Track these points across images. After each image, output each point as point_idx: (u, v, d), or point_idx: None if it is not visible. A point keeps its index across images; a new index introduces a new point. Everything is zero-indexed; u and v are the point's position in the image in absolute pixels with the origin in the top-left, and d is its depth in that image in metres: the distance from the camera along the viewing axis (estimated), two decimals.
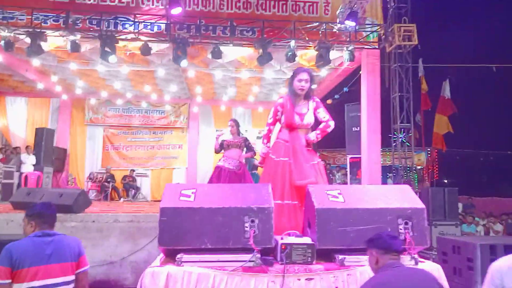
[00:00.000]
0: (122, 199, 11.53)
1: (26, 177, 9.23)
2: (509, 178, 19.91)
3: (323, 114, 3.75)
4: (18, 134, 11.96)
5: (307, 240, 2.68)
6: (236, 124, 6.37)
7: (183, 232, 2.60)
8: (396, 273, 2.07)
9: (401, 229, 2.70)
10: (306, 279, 2.51)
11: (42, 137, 10.53)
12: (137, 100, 12.58)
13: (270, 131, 3.79)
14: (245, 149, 6.26)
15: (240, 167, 6.07)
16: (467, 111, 15.84)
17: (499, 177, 20.44)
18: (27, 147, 10.59)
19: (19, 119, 12.02)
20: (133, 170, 12.37)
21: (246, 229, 2.63)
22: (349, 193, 2.87)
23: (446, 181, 18.92)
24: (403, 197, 2.86)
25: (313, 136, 3.69)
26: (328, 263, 2.65)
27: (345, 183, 10.80)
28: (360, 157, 8.65)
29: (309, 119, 3.70)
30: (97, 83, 11.19)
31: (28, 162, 10.02)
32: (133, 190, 11.92)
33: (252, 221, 2.63)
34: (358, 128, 8.82)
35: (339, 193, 2.84)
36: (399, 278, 2.05)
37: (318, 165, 3.70)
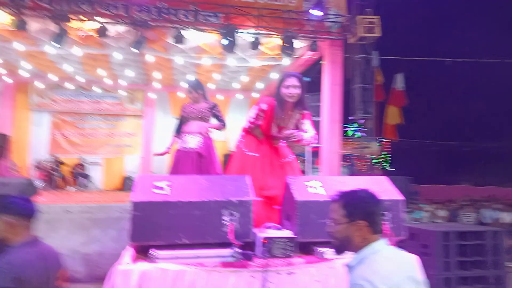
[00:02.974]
0: (71, 188, 10.91)
1: None
2: (453, 167, 21.31)
3: (308, 126, 3.37)
4: None
5: (287, 233, 2.61)
6: (196, 86, 4.75)
7: (158, 227, 2.44)
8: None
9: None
10: (287, 273, 2.44)
11: None
12: (89, 85, 11.84)
13: (250, 127, 3.46)
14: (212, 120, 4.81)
15: (203, 144, 4.57)
16: (419, 104, 16.63)
17: (445, 166, 21.82)
18: None
19: None
20: (84, 158, 11.72)
21: (224, 222, 2.51)
22: (328, 184, 2.83)
23: (393, 169, 19.80)
24: (381, 188, 2.87)
25: (300, 135, 3.31)
26: (308, 256, 2.60)
27: (303, 171, 10.92)
28: (319, 147, 8.75)
29: (286, 134, 3.35)
30: (45, 66, 10.36)
31: None
32: (84, 179, 11.31)
33: (231, 215, 2.51)
34: (319, 118, 8.90)
35: (320, 185, 2.79)
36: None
37: (292, 164, 3.50)
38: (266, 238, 2.51)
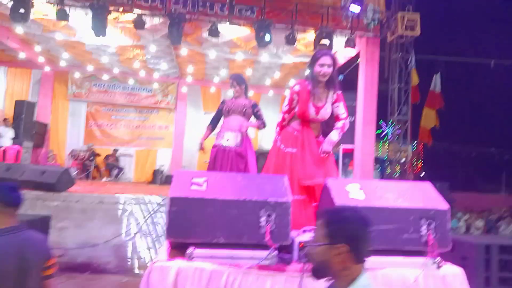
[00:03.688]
0: (104, 179, 11.16)
1: (4, 151, 8.76)
2: (488, 175, 20.44)
3: (342, 110, 3.37)
4: None
5: None
6: (240, 81, 4.65)
7: (194, 224, 2.38)
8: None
9: (423, 230, 2.56)
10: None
11: (22, 110, 10.03)
12: (124, 76, 12.07)
13: (284, 119, 3.42)
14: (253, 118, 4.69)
15: (242, 143, 4.50)
16: (455, 106, 16.00)
17: (479, 173, 20.95)
18: (5, 119, 10.04)
19: None
20: (116, 150, 11.96)
21: (261, 224, 2.43)
22: (369, 189, 2.70)
23: (423, 174, 19.24)
24: (425, 196, 2.72)
25: (335, 136, 3.32)
26: None
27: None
28: (353, 148, 8.55)
29: (324, 114, 3.32)
30: (83, 56, 10.65)
31: (6, 135, 9.52)
32: (116, 170, 11.55)
33: (269, 216, 2.43)
34: (353, 118, 8.69)
35: (359, 189, 2.66)
36: None
37: (330, 158, 3.40)
38: (302, 242, 2.42)
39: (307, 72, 3.40)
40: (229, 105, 4.55)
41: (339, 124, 3.37)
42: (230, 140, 4.45)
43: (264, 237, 2.39)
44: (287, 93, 3.82)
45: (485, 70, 11.10)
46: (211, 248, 2.36)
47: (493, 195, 18.62)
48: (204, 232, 2.39)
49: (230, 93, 13.05)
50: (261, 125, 4.62)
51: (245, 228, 2.42)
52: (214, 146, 4.57)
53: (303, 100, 3.28)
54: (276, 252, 2.37)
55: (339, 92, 3.38)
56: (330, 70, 3.19)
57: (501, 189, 20.47)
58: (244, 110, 4.51)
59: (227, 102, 4.63)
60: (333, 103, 3.35)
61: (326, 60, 3.19)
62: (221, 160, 4.41)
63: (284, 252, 2.51)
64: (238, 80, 4.62)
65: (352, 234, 1.39)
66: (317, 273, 1.45)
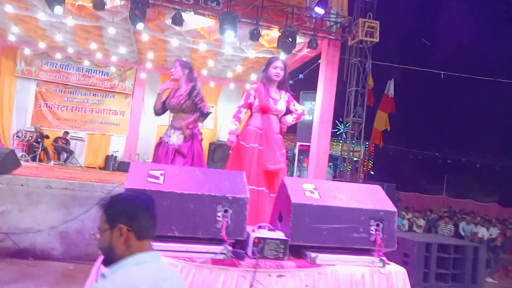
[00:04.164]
0: (52, 162, 10.64)
1: None
2: (431, 177, 21.74)
3: (298, 106, 3.86)
4: None
5: (280, 235, 2.57)
6: (185, 64, 4.11)
7: None
8: None
9: (372, 230, 2.69)
10: (277, 276, 2.41)
11: None
12: (79, 57, 11.52)
13: (240, 111, 3.71)
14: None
15: (186, 141, 3.99)
16: (405, 111, 16.80)
17: (423, 175, 22.22)
18: None
19: None
20: (67, 132, 11.43)
21: (218, 219, 2.45)
22: (324, 189, 2.80)
23: (372, 173, 20.09)
24: (376, 198, 2.86)
25: (290, 119, 3.80)
26: (299, 260, 2.57)
27: (288, 167, 10.96)
28: (309, 145, 8.75)
29: (281, 106, 3.72)
30: (35, 32, 10.02)
31: None
32: (66, 154, 11.04)
33: (226, 211, 2.45)
34: (311, 116, 8.89)
35: (314, 189, 2.75)
36: None
37: (285, 156, 3.76)
38: (258, 238, 2.47)
39: (262, 75, 3.84)
40: (168, 102, 4.10)
41: (297, 111, 3.84)
42: (172, 137, 4.05)
43: (220, 232, 2.41)
44: (248, 87, 3.92)
45: (436, 80, 11.75)
46: (165, 242, 2.35)
47: (435, 196, 19.85)
48: (160, 226, 2.36)
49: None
50: (199, 117, 4.01)
51: (201, 222, 2.43)
52: (158, 143, 4.20)
53: (261, 95, 3.65)
54: (230, 248, 2.40)
55: (291, 93, 3.87)
56: (282, 72, 3.68)
57: (442, 191, 21.86)
58: (182, 105, 3.98)
59: (169, 95, 4.13)
60: (288, 103, 3.78)
61: (278, 63, 3.67)
62: (159, 156, 4.04)
63: (238, 248, 2.55)
64: (182, 64, 4.09)
65: (128, 214, 1.44)
66: (107, 261, 1.45)
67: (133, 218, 1.44)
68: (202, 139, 4.18)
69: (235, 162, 3.57)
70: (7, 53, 11.12)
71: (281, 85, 3.77)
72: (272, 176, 3.51)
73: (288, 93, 3.80)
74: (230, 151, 3.72)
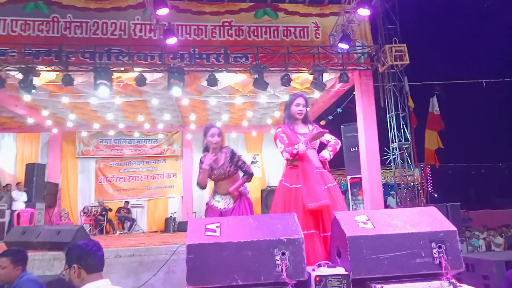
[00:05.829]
0: (117, 232, 11.20)
1: (18, 214, 8.91)
2: (500, 190, 20.15)
3: (328, 136, 3.60)
4: (7, 171, 11.62)
5: (341, 270, 2.57)
6: (219, 134, 4.00)
7: (212, 269, 2.47)
8: None
9: (435, 253, 2.62)
10: None
11: (33, 172, 10.27)
12: (129, 130, 12.45)
13: (285, 150, 3.45)
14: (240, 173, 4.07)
15: (235, 204, 4.00)
16: (456, 126, 16.12)
17: (491, 189, 20.67)
18: (17, 183, 10.28)
19: (8, 156, 11.71)
20: (128, 202, 12.09)
21: (277, 262, 2.51)
22: (376, 218, 2.79)
23: (436, 195, 19.05)
24: (432, 219, 2.80)
25: (327, 154, 3.52)
26: None
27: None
28: (360, 177, 8.63)
29: (314, 142, 3.54)
30: (89, 115, 11.05)
31: (20, 199, 9.71)
32: (129, 222, 11.61)
33: (283, 254, 2.52)
34: (356, 148, 8.83)
35: (367, 219, 2.76)
36: None
37: (334, 188, 3.50)
38: (319, 276, 2.49)
39: (284, 115, 3.69)
40: (211, 173, 3.97)
41: (330, 143, 3.59)
42: (220, 202, 4.03)
43: (281, 275, 2.47)
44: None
45: (479, 88, 11.35)
46: None
47: (509, 210, 18.27)
48: (222, 276, 2.47)
49: (233, 135, 13.26)
50: (246, 179, 3.98)
51: (261, 268, 2.50)
52: (206, 204, 4.17)
53: (290, 136, 3.51)
54: None
55: (317, 124, 3.72)
56: (304, 109, 3.60)
57: None
58: (227, 172, 3.93)
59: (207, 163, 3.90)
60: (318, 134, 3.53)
61: (300, 100, 3.61)
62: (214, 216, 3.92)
63: None
64: (217, 132, 3.99)
65: (76, 256, 2.09)
66: None
67: (81, 259, 2.07)
68: (249, 192, 4.19)
69: (281, 204, 3.41)
70: (66, 138, 12.26)
71: (305, 119, 3.67)
72: (317, 215, 3.32)
73: (314, 125, 3.67)
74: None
